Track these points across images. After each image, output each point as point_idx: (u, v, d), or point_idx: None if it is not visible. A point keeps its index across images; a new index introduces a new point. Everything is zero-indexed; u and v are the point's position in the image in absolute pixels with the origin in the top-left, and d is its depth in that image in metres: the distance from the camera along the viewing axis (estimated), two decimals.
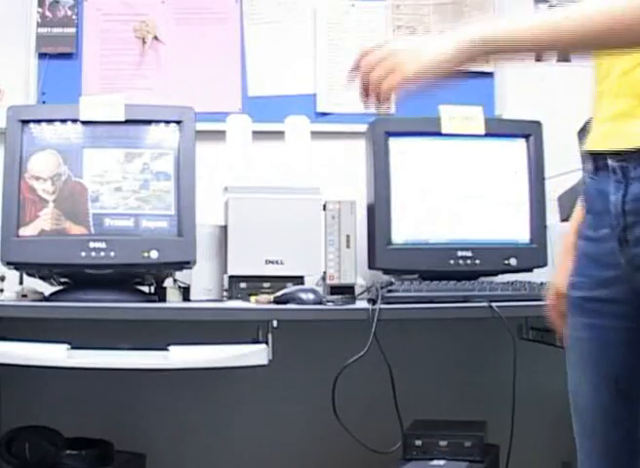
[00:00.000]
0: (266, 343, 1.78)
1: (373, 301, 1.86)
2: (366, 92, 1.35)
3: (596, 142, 1.31)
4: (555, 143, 2.29)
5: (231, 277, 2.09)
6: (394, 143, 2.19)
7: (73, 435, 2.13)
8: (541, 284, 1.98)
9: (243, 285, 2.07)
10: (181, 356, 1.75)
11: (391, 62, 1.28)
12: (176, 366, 1.77)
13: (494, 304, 1.83)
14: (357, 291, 2.14)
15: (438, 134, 2.20)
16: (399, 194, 2.18)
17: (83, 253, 1.93)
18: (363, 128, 2.27)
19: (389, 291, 1.89)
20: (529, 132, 2.24)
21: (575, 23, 1.12)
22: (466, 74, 1.26)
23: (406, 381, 1.91)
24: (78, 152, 2.01)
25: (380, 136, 2.18)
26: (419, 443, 1.98)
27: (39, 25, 2.49)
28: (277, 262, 2.08)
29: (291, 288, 1.96)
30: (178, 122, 2.04)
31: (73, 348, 1.73)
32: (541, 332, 2.12)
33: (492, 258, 2.17)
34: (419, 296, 1.90)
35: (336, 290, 2.09)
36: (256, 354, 1.76)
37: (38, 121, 2.01)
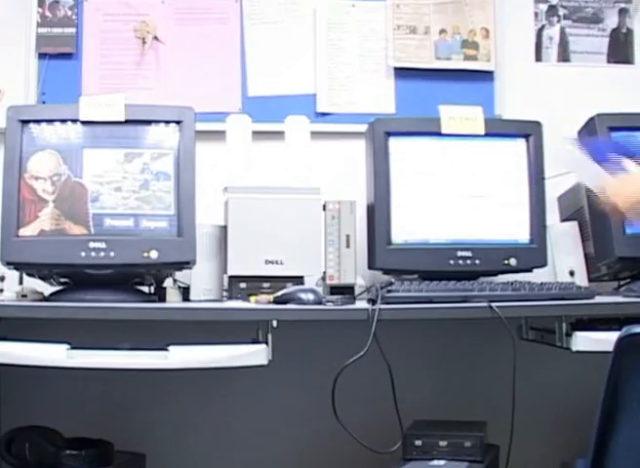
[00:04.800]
0: (266, 343, 1.78)
1: (373, 301, 1.86)
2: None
3: None
4: (555, 143, 2.29)
5: (231, 277, 2.09)
6: (394, 143, 2.19)
7: (73, 435, 2.13)
8: (541, 284, 1.98)
9: (243, 285, 2.07)
10: (181, 356, 1.74)
11: None
12: (176, 366, 1.76)
13: (494, 304, 1.83)
14: (357, 291, 2.14)
15: (438, 134, 2.20)
16: (399, 194, 2.18)
17: (83, 254, 1.93)
18: (363, 128, 2.27)
19: (389, 291, 1.89)
20: (529, 132, 2.24)
21: None
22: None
23: (406, 381, 1.91)
24: (78, 152, 2.01)
25: (380, 136, 2.18)
26: (419, 443, 1.98)
27: (39, 25, 2.50)
28: (277, 262, 2.08)
29: (291, 288, 1.96)
30: (178, 122, 2.04)
31: (73, 348, 1.73)
32: (541, 332, 2.12)
33: (492, 258, 2.17)
34: (418, 296, 1.90)
35: (336, 290, 2.09)
36: (255, 354, 1.76)
37: (38, 121, 2.01)
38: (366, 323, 1.78)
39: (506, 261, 2.16)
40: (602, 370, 1.42)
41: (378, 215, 2.16)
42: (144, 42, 2.52)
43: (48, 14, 2.50)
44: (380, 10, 2.62)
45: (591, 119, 2.22)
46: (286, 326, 1.76)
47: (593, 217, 2.23)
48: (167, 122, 2.05)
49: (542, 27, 2.70)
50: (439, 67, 2.62)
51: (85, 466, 2.04)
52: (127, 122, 2.02)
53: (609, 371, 1.41)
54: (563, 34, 2.70)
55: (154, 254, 1.95)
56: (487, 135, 2.21)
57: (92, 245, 1.94)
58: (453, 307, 1.87)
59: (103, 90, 2.45)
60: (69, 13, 2.51)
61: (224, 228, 2.12)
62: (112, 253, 1.94)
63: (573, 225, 2.31)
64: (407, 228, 2.18)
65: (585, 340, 1.84)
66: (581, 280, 2.22)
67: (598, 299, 1.98)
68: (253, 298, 1.99)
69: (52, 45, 2.49)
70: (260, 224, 2.08)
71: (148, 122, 2.05)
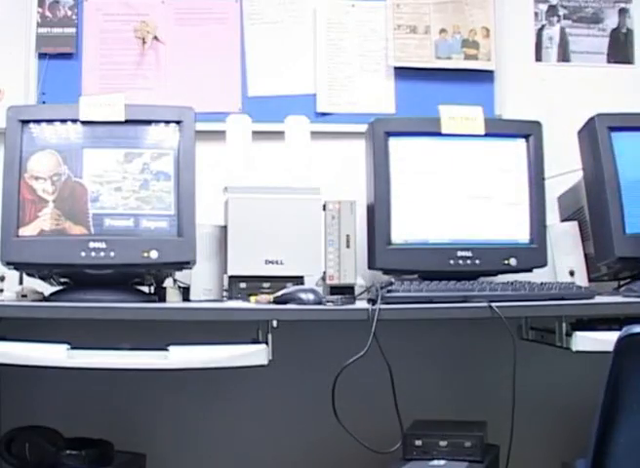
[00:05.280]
0: (266, 343, 1.78)
1: (373, 301, 1.86)
2: None
3: None
4: (555, 143, 2.29)
5: (231, 277, 2.09)
6: (394, 143, 2.19)
7: (73, 435, 2.12)
8: (541, 284, 1.98)
9: (243, 285, 2.07)
10: (181, 356, 1.74)
11: None
12: (176, 366, 1.76)
13: (494, 304, 1.83)
14: (357, 291, 2.14)
15: (438, 134, 2.20)
16: (399, 194, 2.18)
17: (83, 253, 1.93)
18: (363, 128, 2.27)
19: (389, 291, 1.89)
20: (529, 132, 2.24)
21: None
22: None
23: (406, 381, 1.91)
24: (78, 152, 2.01)
25: (380, 136, 2.18)
26: (419, 443, 1.98)
27: (39, 25, 2.50)
28: (277, 262, 2.08)
29: (291, 288, 1.96)
30: (178, 122, 2.04)
31: (73, 348, 1.73)
32: (541, 332, 2.12)
33: (492, 258, 2.17)
34: (418, 296, 1.90)
35: (336, 290, 2.09)
36: (256, 354, 1.76)
37: (38, 121, 2.01)
38: (366, 323, 1.78)
39: (506, 261, 2.16)
40: (602, 370, 1.42)
41: (378, 215, 2.16)
42: (144, 42, 2.52)
43: (48, 14, 2.50)
44: (380, 10, 2.62)
45: (591, 119, 2.22)
46: (286, 326, 1.76)
47: (593, 217, 2.23)
48: (167, 122, 2.05)
49: (542, 27, 2.70)
50: (439, 67, 2.62)
51: (85, 466, 2.04)
52: (127, 122, 2.02)
53: (609, 371, 1.41)
54: (563, 34, 2.70)
55: (154, 254, 1.95)
56: (487, 135, 2.21)
57: (92, 245, 1.94)
58: (453, 307, 1.87)
59: (103, 90, 2.45)
60: (69, 13, 2.51)
61: (224, 228, 2.12)
62: (112, 253, 1.94)
63: (573, 225, 2.31)
64: (407, 228, 2.18)
65: (585, 340, 1.84)
66: (581, 280, 2.22)
67: (598, 299, 1.98)
68: (253, 298, 1.99)
69: (52, 45, 2.49)
70: (260, 224, 2.08)
71: (148, 122, 2.05)
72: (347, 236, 2.12)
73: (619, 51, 2.71)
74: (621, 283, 2.27)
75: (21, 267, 1.99)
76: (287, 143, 2.25)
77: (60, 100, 2.39)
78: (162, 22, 2.54)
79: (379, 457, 1.89)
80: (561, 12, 2.70)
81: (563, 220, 2.42)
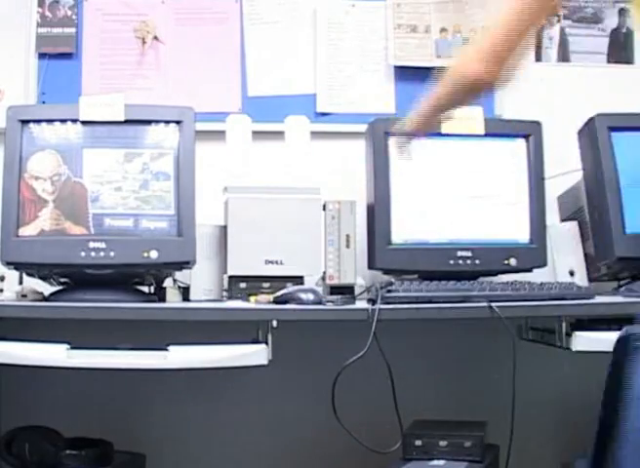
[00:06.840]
0: (266, 343, 1.77)
1: (372, 301, 1.86)
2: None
3: None
4: (555, 143, 2.29)
5: (231, 277, 2.09)
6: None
7: (73, 435, 2.12)
8: (541, 284, 1.98)
9: (243, 285, 2.07)
10: (181, 356, 1.74)
11: None
12: (175, 366, 1.76)
13: (493, 304, 1.83)
14: (357, 291, 2.14)
15: (438, 134, 2.19)
16: (399, 194, 2.18)
17: (83, 253, 1.93)
18: (363, 128, 2.27)
19: (389, 291, 1.89)
20: (529, 132, 2.24)
21: None
22: None
23: (406, 381, 1.91)
24: (78, 152, 2.01)
25: (380, 136, 2.18)
26: (419, 443, 1.98)
27: (39, 25, 2.50)
28: (277, 262, 2.08)
29: (290, 288, 1.96)
30: (177, 122, 2.04)
31: (73, 348, 1.73)
32: (541, 332, 2.12)
33: (492, 258, 2.17)
34: (418, 296, 1.90)
35: (335, 290, 2.09)
36: (255, 354, 1.76)
37: (38, 121, 2.01)
38: (366, 323, 1.78)
39: (506, 261, 2.16)
40: (602, 370, 1.42)
41: (378, 215, 2.16)
42: (144, 42, 2.52)
43: (48, 14, 2.50)
44: (380, 10, 2.62)
45: (591, 119, 2.22)
46: (286, 326, 1.76)
47: (593, 217, 2.23)
48: (167, 122, 2.05)
49: (542, 27, 2.69)
50: (440, 65, 2.61)
51: (85, 466, 2.04)
52: (127, 122, 2.02)
53: (609, 372, 1.41)
54: (563, 34, 2.70)
55: (154, 254, 1.95)
56: (487, 135, 2.22)
57: (92, 245, 1.94)
58: (453, 307, 1.87)
59: (103, 90, 2.45)
60: (69, 13, 2.51)
61: (224, 228, 2.12)
62: (112, 253, 1.94)
63: (573, 225, 2.31)
64: (407, 228, 2.18)
65: (585, 340, 1.84)
66: (581, 280, 2.22)
67: (598, 299, 1.98)
68: (253, 298, 1.99)
69: (52, 45, 2.49)
70: (260, 224, 2.08)
71: (148, 122, 2.05)
72: (347, 236, 2.12)
73: (618, 51, 2.71)
74: (621, 283, 2.27)
75: (21, 267, 1.99)
76: (287, 143, 2.25)
77: (60, 100, 2.39)
78: (162, 22, 2.54)
79: (378, 457, 1.89)
80: (561, 12, 2.70)
81: (563, 220, 2.42)
